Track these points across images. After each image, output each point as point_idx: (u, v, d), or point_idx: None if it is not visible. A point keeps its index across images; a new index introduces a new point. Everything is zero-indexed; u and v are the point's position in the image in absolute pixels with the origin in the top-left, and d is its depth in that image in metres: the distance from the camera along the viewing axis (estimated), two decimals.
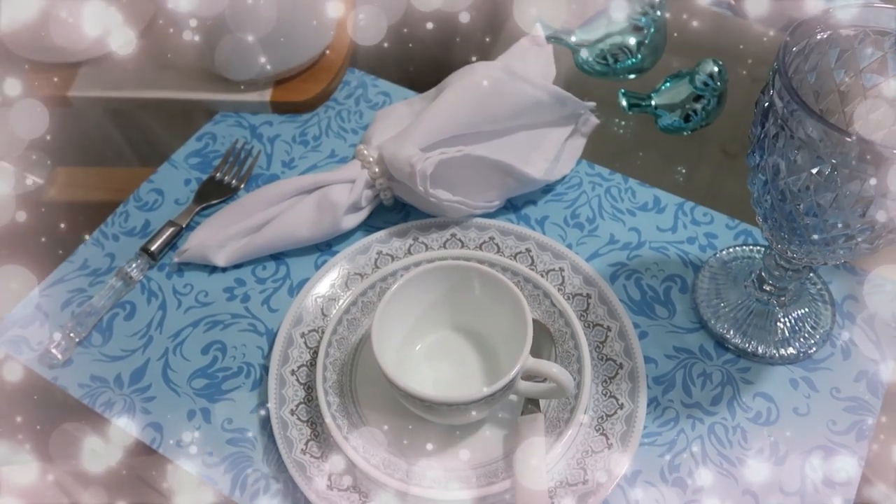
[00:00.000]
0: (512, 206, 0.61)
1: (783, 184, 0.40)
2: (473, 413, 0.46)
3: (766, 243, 0.57)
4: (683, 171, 0.65)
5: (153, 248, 0.58)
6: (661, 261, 0.57)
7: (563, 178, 0.62)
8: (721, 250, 0.57)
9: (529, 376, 0.47)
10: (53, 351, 0.53)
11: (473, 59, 0.62)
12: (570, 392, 0.46)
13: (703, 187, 0.63)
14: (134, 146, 0.70)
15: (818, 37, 0.42)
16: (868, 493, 0.47)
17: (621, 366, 0.51)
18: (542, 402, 0.49)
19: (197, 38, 0.64)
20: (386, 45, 0.69)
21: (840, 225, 0.40)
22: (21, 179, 0.64)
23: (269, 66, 0.66)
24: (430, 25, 0.65)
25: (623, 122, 0.67)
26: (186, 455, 0.50)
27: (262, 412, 0.51)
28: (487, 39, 0.72)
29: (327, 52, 0.70)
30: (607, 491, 0.46)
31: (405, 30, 0.71)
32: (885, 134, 0.44)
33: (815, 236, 0.42)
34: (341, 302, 0.54)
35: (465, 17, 0.67)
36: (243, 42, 0.63)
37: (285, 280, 0.58)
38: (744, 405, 0.50)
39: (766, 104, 0.40)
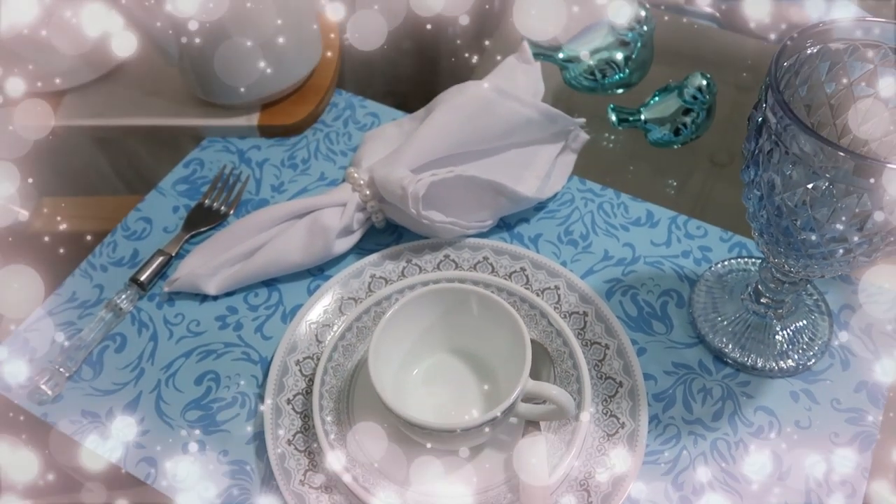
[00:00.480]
0: (505, 225, 0.60)
1: (779, 199, 0.40)
2: (474, 438, 0.46)
3: (761, 255, 0.57)
4: (674, 183, 0.64)
5: (143, 278, 0.58)
6: (657, 276, 0.57)
7: (555, 195, 0.62)
8: (716, 263, 0.57)
9: (529, 398, 0.47)
10: (43, 387, 0.52)
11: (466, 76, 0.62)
12: (571, 413, 0.45)
13: (695, 199, 0.63)
14: (120, 174, 0.69)
15: (808, 51, 0.42)
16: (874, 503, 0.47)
17: (621, 384, 0.50)
18: (542, 423, 0.48)
19: (183, 62, 0.64)
20: (372, 63, 0.68)
21: (838, 239, 0.40)
22: (6, 211, 0.63)
23: (255, 90, 0.65)
24: (411, 43, 0.65)
25: (613, 137, 0.67)
26: (182, 490, 0.49)
27: (259, 443, 0.50)
28: (475, 60, 0.72)
29: (314, 73, 0.70)
30: None
31: (384, 47, 0.70)
32: (878, 145, 0.44)
33: (813, 250, 0.41)
34: (336, 328, 0.54)
35: (464, 20, 0.66)
36: (230, 66, 0.63)
37: (278, 307, 0.57)
38: (745, 420, 0.50)
39: (760, 120, 0.40)
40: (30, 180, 0.61)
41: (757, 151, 0.41)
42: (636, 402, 0.49)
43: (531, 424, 0.48)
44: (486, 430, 0.44)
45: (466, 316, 0.49)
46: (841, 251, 0.41)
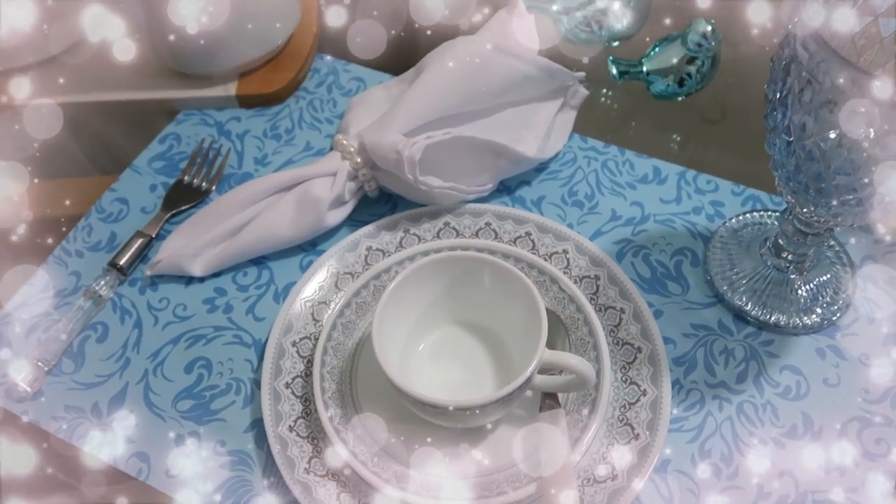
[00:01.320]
0: (505, 189, 0.57)
1: (811, 143, 0.37)
2: (489, 415, 0.43)
3: (778, 208, 0.54)
4: (678, 138, 0.61)
5: (122, 262, 0.54)
6: (669, 234, 0.54)
7: (557, 154, 0.58)
8: (730, 218, 0.54)
9: (545, 369, 0.44)
10: (21, 383, 0.49)
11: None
12: (592, 382, 0.42)
13: (702, 153, 0.60)
14: (90, 154, 0.65)
15: None
16: None
17: (639, 349, 0.47)
18: (560, 396, 0.45)
19: (151, 31, 0.59)
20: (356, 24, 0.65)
21: (875, 182, 0.37)
22: None
23: (231, 58, 0.61)
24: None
25: (613, 92, 0.63)
26: (178, 485, 0.45)
27: (258, 431, 0.47)
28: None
29: (293, 38, 0.66)
30: (639, 485, 0.42)
31: (375, 12, 0.66)
32: None
33: (846, 196, 0.39)
34: (333, 305, 0.50)
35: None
36: (201, 32, 0.58)
37: (269, 286, 0.53)
38: (771, 380, 0.47)
39: (787, 59, 0.37)
40: None
41: (785, 93, 0.38)
42: (657, 367, 0.47)
43: (548, 397, 0.45)
44: (502, 405, 0.41)
45: (473, 286, 0.46)
46: (875, 196, 0.38)
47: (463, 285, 0.46)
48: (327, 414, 0.44)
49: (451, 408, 0.40)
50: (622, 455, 0.44)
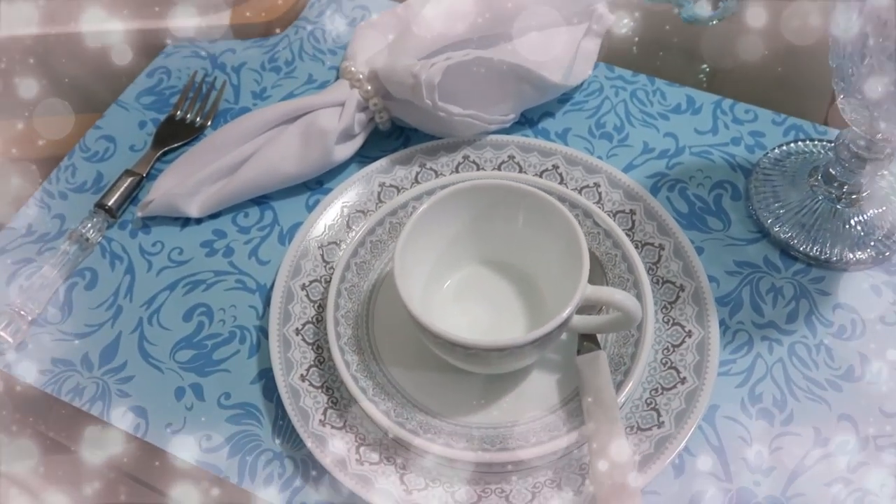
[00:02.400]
0: (527, 122, 0.52)
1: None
2: (523, 358, 0.39)
3: (824, 137, 0.50)
4: (710, 67, 0.57)
5: (110, 202, 0.49)
6: (706, 167, 0.50)
7: (582, 84, 0.54)
8: (772, 149, 0.50)
9: (583, 309, 0.40)
10: (2, 334, 0.44)
11: None
12: (637, 320, 0.38)
13: (736, 82, 0.55)
14: (70, 91, 0.59)
15: None
16: None
17: (682, 287, 0.44)
18: (599, 338, 0.41)
19: None
20: None
21: None
22: None
23: None
24: None
25: (639, 18, 0.59)
26: (179, 442, 0.41)
27: (266, 382, 0.43)
28: None
29: None
30: (687, 432, 0.39)
31: None
32: None
33: None
34: (346, 244, 0.46)
35: None
36: None
37: (273, 227, 0.49)
38: (824, 320, 0.44)
39: None
40: None
41: None
42: (702, 306, 0.43)
43: (586, 339, 0.41)
44: (538, 347, 0.37)
45: (501, 219, 0.42)
46: None
47: (489, 219, 0.42)
48: (343, 360, 0.40)
49: (482, 349, 0.36)
50: (668, 401, 0.40)
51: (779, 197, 0.47)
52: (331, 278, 0.44)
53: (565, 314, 0.36)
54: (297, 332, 0.43)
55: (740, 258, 0.46)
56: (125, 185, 0.50)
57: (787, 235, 0.46)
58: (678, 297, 0.43)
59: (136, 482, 0.41)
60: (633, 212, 0.46)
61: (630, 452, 0.37)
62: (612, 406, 0.37)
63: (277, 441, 0.41)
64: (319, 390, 0.41)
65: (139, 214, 0.49)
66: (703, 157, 0.50)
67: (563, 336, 0.42)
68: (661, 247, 0.45)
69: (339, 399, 0.41)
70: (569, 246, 0.39)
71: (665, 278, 0.44)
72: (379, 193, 0.48)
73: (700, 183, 0.49)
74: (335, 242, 0.46)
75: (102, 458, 0.41)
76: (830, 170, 0.46)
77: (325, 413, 0.40)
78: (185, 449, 0.41)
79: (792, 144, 0.50)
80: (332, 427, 0.40)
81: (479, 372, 0.41)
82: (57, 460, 0.42)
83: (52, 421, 0.43)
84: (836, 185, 0.46)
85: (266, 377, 0.43)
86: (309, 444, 0.39)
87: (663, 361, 0.42)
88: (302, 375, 0.42)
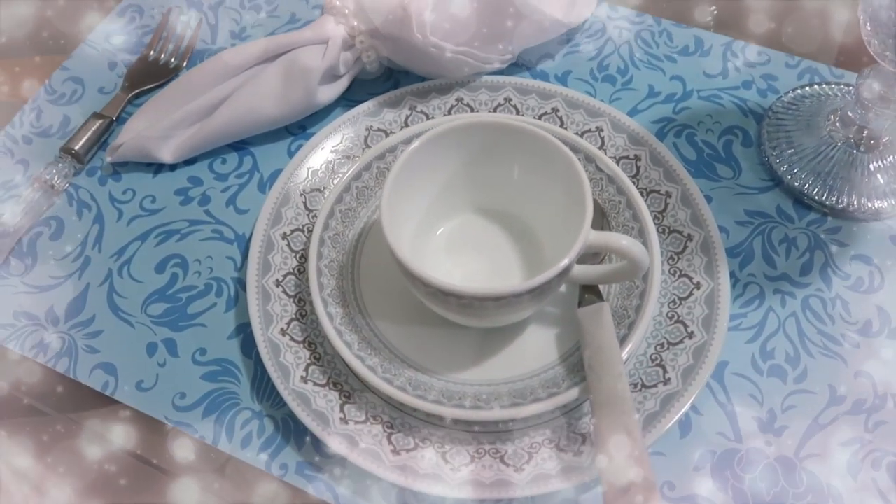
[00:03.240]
0: (525, 64, 0.49)
1: None
2: (521, 310, 0.36)
3: (840, 80, 0.47)
4: (714, 10, 0.53)
5: (77, 147, 0.46)
6: (715, 112, 0.47)
7: (583, 24, 0.50)
8: (786, 93, 0.47)
9: (584, 259, 0.37)
10: None
11: None
12: (645, 269, 0.35)
13: (744, 22, 0.52)
14: (35, 30, 0.55)
15: None
16: None
17: (689, 237, 0.41)
18: (602, 290, 0.39)
19: None
20: None
21: None
22: None
23: None
24: None
25: None
26: (151, 399, 0.38)
27: (244, 337, 0.40)
28: None
29: None
30: (696, 390, 0.36)
31: None
32: None
33: None
34: (330, 191, 0.43)
35: None
36: None
37: (253, 173, 0.46)
38: (840, 272, 0.41)
39: None
40: None
41: None
42: (711, 256, 0.40)
43: (588, 291, 0.38)
44: (536, 298, 0.35)
45: (496, 163, 0.39)
46: None
47: (484, 163, 0.39)
48: (326, 311, 0.37)
49: (476, 298, 0.33)
50: (674, 356, 0.37)
51: (793, 143, 0.44)
52: (314, 227, 0.41)
53: (567, 260, 0.33)
54: (278, 283, 0.40)
55: (751, 207, 0.43)
56: (94, 128, 0.46)
57: (801, 183, 0.43)
58: (685, 247, 0.41)
59: (104, 443, 0.38)
60: (637, 157, 0.43)
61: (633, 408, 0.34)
62: (616, 361, 0.34)
63: (256, 399, 0.38)
64: (301, 345, 0.38)
65: (108, 159, 0.46)
66: (713, 102, 0.47)
67: (563, 289, 0.40)
68: (668, 194, 0.42)
69: (321, 354, 0.38)
70: (570, 189, 0.36)
71: (672, 227, 0.41)
72: (366, 138, 0.45)
73: (709, 128, 0.46)
74: (319, 189, 0.43)
75: (69, 417, 0.39)
76: (849, 113, 0.43)
77: (307, 369, 0.38)
78: (157, 408, 0.38)
79: (807, 88, 0.47)
80: (315, 384, 0.37)
81: (472, 326, 0.38)
82: (21, 422, 0.39)
83: (15, 378, 0.40)
84: (854, 129, 0.43)
85: (244, 332, 0.40)
86: (290, 402, 0.36)
87: (669, 315, 0.39)
88: (282, 329, 0.39)
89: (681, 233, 0.41)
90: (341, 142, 0.45)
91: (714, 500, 0.35)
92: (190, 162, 0.46)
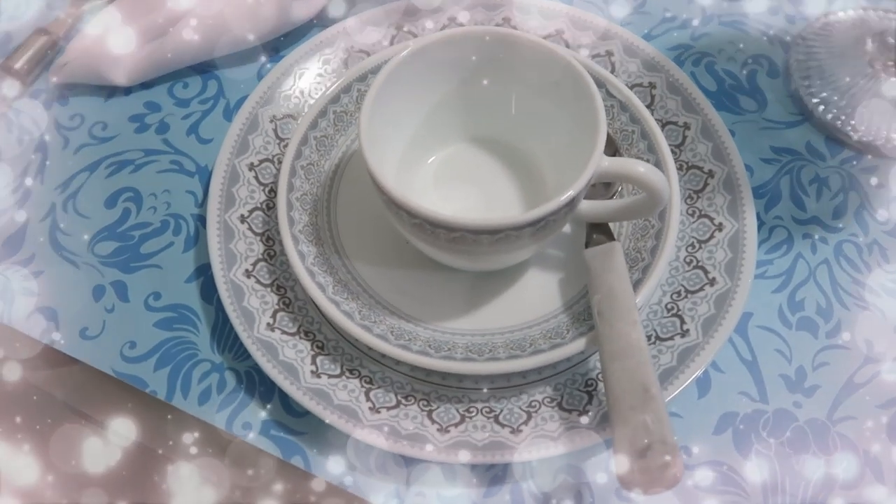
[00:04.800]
0: None
1: None
2: (520, 248, 0.31)
3: (878, 3, 0.42)
4: None
5: (18, 65, 0.40)
6: (738, 38, 0.42)
7: None
8: (816, 18, 0.42)
9: (593, 194, 0.33)
10: None
11: None
12: (664, 202, 0.31)
13: None
14: None
15: None
16: None
17: (710, 173, 0.36)
18: (613, 230, 0.34)
19: None
20: None
21: None
22: None
23: None
24: None
25: None
26: (97, 349, 0.34)
27: (205, 279, 0.35)
28: None
29: None
30: (718, 342, 0.32)
31: None
32: None
33: None
34: (304, 116, 0.38)
35: None
36: None
37: (218, 99, 0.41)
38: (877, 215, 0.37)
39: None
40: None
41: None
42: (735, 194, 0.35)
43: (596, 231, 0.33)
44: (537, 234, 0.30)
45: (494, 83, 0.34)
46: None
47: (480, 84, 0.34)
48: (297, 250, 0.32)
49: (469, 230, 0.29)
50: (693, 305, 0.33)
51: (824, 73, 0.40)
52: (284, 157, 0.36)
53: (576, 188, 0.29)
54: (243, 219, 0.35)
55: (778, 144, 0.39)
56: (37, 45, 0.41)
57: (833, 117, 0.38)
58: (706, 184, 0.36)
59: (43, 396, 0.33)
60: (652, 85, 0.38)
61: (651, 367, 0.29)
62: (630, 307, 0.30)
63: (216, 350, 0.34)
64: (268, 289, 0.34)
65: (53, 80, 0.40)
66: (735, 28, 0.42)
67: (568, 229, 0.35)
68: (687, 126, 0.37)
69: (291, 299, 0.33)
70: (579, 112, 0.31)
71: (690, 163, 0.37)
72: (345, 60, 0.40)
73: (731, 57, 0.41)
74: (291, 115, 0.38)
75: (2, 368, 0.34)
76: (890, 39, 0.38)
77: (274, 316, 0.33)
78: (103, 358, 0.33)
79: (840, 13, 0.42)
80: (283, 332, 0.32)
81: (464, 268, 0.33)
82: None
83: None
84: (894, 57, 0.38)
85: (204, 275, 0.35)
86: (254, 352, 0.32)
87: (687, 260, 0.34)
88: (247, 271, 0.34)
89: (701, 168, 0.36)
90: (318, 63, 0.39)
91: (736, 468, 0.31)
92: (147, 85, 0.41)
